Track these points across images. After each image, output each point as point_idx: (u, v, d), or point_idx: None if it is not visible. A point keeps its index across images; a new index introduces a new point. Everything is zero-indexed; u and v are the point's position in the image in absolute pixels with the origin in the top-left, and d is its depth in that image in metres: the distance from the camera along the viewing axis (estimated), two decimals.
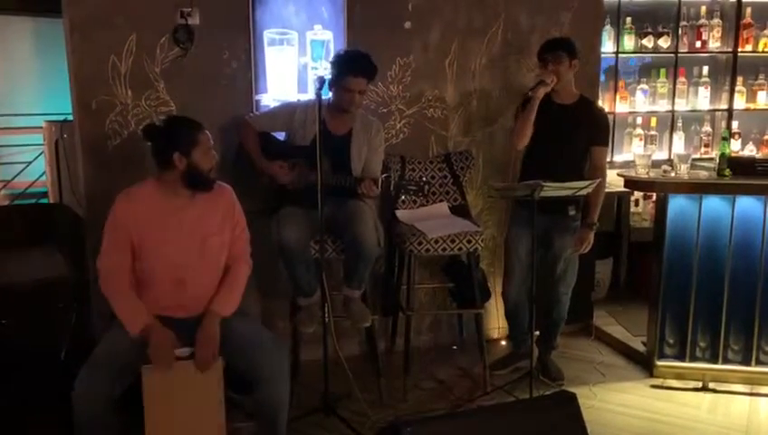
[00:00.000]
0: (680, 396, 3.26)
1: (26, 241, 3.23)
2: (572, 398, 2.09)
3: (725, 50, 4.38)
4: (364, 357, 3.50)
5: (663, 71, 4.34)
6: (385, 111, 3.54)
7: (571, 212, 3.21)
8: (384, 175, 2.98)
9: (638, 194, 4.38)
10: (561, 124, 3.15)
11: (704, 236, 3.29)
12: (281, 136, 3.16)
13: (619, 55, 4.25)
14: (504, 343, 3.86)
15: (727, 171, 3.22)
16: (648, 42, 4.27)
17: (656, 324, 3.41)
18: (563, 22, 3.73)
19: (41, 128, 4.44)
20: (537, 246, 3.08)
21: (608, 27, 4.15)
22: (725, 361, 3.36)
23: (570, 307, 3.38)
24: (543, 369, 3.39)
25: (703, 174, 3.32)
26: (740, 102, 4.45)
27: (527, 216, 3.04)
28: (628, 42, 4.25)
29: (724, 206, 3.26)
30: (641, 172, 3.39)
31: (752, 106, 4.49)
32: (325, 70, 3.25)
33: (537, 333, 3.31)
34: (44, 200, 4.63)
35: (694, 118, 4.48)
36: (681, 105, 4.39)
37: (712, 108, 4.46)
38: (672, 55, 4.31)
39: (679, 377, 3.39)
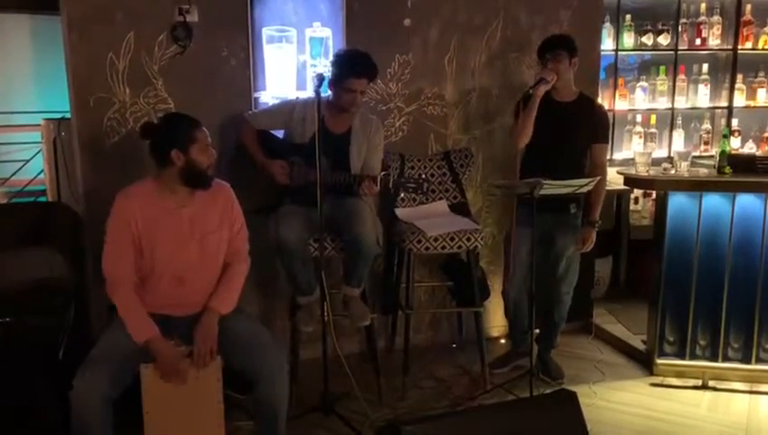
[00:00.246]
0: (680, 394, 3.26)
1: (24, 240, 3.21)
2: (572, 396, 2.09)
3: (725, 47, 4.37)
4: (363, 356, 3.50)
5: (663, 68, 4.33)
6: (384, 108, 3.53)
7: (573, 210, 3.20)
8: (383, 173, 2.98)
9: (637, 192, 4.37)
10: (561, 122, 3.14)
11: (704, 233, 3.28)
12: (279, 134, 3.15)
13: (619, 53, 4.24)
14: (503, 341, 3.86)
15: (727, 169, 3.22)
16: (647, 39, 4.26)
17: (656, 322, 3.40)
18: (563, 19, 3.73)
19: (39, 126, 4.42)
20: (539, 245, 3.08)
21: (607, 24, 4.14)
22: (725, 359, 3.36)
23: (570, 306, 3.38)
24: (543, 367, 3.39)
25: (703, 172, 3.32)
26: (740, 100, 4.44)
27: (528, 214, 3.03)
28: (628, 39, 4.24)
29: (724, 203, 3.26)
30: (641, 170, 3.38)
31: (752, 103, 4.48)
32: (324, 67, 3.24)
33: (537, 331, 3.31)
34: (43, 198, 4.61)
35: (694, 115, 4.47)
36: (681, 103, 4.38)
37: (712, 105, 4.45)
38: (672, 53, 4.30)
39: (679, 375, 3.39)
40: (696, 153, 4.20)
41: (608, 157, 3.61)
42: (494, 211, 3.81)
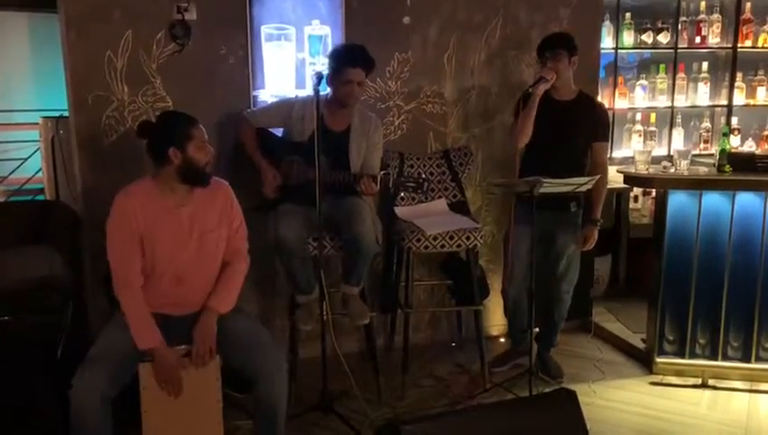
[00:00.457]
0: (680, 393, 3.26)
1: (23, 238, 3.20)
2: (572, 395, 2.08)
3: (725, 45, 4.36)
4: (363, 355, 3.49)
5: (662, 66, 4.32)
6: (383, 106, 3.52)
7: (573, 208, 3.20)
8: (383, 171, 2.97)
9: (637, 190, 4.37)
10: (561, 121, 3.13)
11: (703, 232, 3.28)
12: (279, 132, 3.15)
13: (619, 51, 4.23)
14: (503, 340, 3.85)
15: (727, 167, 3.22)
16: (647, 37, 4.25)
17: (655, 321, 3.40)
18: (562, 17, 3.72)
19: (37, 124, 4.41)
20: (539, 243, 3.07)
21: (607, 23, 4.13)
22: (725, 357, 3.36)
23: (569, 304, 3.37)
24: (543, 366, 3.38)
25: (703, 170, 3.31)
26: (740, 98, 4.43)
27: (528, 212, 3.02)
28: (628, 37, 4.23)
29: (723, 202, 3.25)
30: (641, 168, 3.38)
31: (751, 102, 4.47)
32: (323, 65, 3.23)
33: (536, 330, 3.30)
34: (41, 197, 4.60)
35: (693, 114, 4.46)
36: (680, 101, 4.37)
37: (711, 104, 4.45)
38: (671, 51, 4.30)
39: (679, 374, 3.39)
40: (696, 152, 4.20)
41: (608, 155, 3.61)
42: (494, 210, 3.81)
